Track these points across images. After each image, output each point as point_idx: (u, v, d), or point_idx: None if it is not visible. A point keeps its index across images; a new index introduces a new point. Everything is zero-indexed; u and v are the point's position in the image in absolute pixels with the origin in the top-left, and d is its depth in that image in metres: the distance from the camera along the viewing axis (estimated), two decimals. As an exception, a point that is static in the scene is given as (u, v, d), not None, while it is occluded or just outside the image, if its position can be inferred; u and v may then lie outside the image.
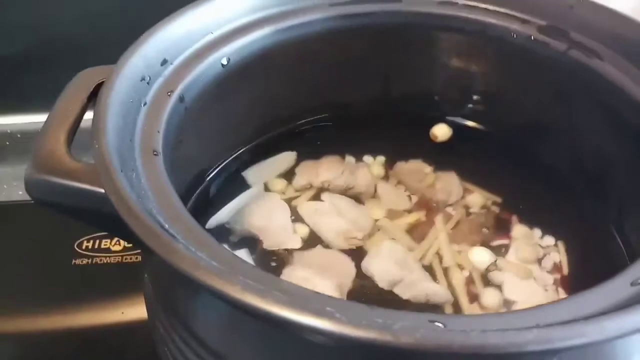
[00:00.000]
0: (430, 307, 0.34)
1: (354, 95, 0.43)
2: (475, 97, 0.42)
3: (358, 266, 0.36)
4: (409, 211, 0.41)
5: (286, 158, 0.43)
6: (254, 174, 0.42)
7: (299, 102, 0.42)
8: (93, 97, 0.30)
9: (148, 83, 0.31)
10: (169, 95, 0.31)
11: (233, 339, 0.25)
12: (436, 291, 0.34)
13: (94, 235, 0.53)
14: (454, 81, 0.42)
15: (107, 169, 0.24)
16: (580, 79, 0.35)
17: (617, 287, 0.22)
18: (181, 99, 0.32)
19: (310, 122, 0.43)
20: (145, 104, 0.30)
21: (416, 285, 0.34)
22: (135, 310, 0.46)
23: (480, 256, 0.37)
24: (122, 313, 0.47)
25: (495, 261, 0.37)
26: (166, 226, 0.23)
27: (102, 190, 0.25)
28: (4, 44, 0.57)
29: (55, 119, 0.28)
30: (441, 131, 0.44)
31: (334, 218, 0.38)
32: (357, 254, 0.37)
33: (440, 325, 0.19)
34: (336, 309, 0.20)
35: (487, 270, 0.37)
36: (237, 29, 0.36)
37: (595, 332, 0.19)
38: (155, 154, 0.28)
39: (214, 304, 0.25)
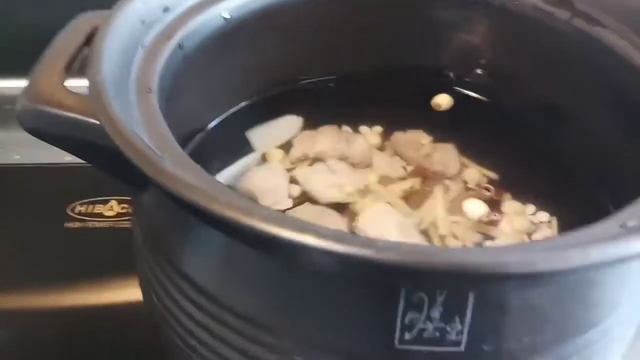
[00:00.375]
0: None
1: (356, 63, 0.43)
2: (478, 68, 0.42)
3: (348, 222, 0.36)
4: (404, 179, 0.41)
5: (292, 123, 0.43)
6: (258, 136, 0.42)
7: (300, 66, 0.42)
8: (92, 38, 0.30)
9: (148, 27, 0.31)
10: (168, 41, 0.31)
11: (221, 274, 0.25)
12: None
13: (88, 200, 0.54)
14: (457, 52, 0.42)
15: (101, 96, 0.24)
16: (583, 47, 0.35)
17: (605, 228, 0.22)
18: (180, 45, 0.32)
19: (310, 85, 0.43)
20: (143, 46, 0.30)
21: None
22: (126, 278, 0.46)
23: (475, 207, 0.37)
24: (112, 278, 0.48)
25: (489, 215, 0.37)
26: (156, 152, 0.23)
27: (95, 121, 0.25)
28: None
29: (52, 54, 0.28)
30: (444, 100, 0.44)
31: (326, 174, 0.39)
32: (346, 212, 0.37)
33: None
34: (320, 227, 0.20)
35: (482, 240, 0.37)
36: (240, -15, 0.36)
37: (579, 257, 0.19)
38: (149, 92, 0.28)
39: (199, 235, 0.25)
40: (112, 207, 0.54)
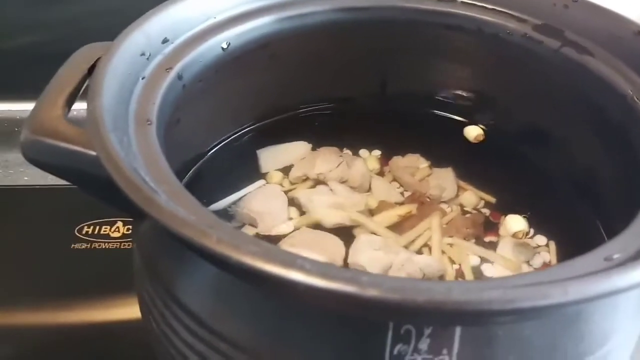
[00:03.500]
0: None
1: (353, 89, 0.44)
2: (471, 95, 0.43)
3: (347, 246, 0.36)
4: (401, 204, 0.41)
5: (301, 148, 0.44)
6: (266, 157, 0.43)
7: (299, 93, 0.43)
8: (93, 69, 0.31)
9: (147, 59, 0.32)
10: (167, 72, 0.32)
11: (212, 302, 0.26)
12: (429, 263, 0.35)
13: (94, 221, 0.55)
14: (451, 78, 0.42)
15: (98, 128, 0.25)
16: (572, 76, 0.35)
17: (590, 261, 0.22)
18: (179, 76, 0.33)
19: (310, 112, 0.44)
20: (143, 78, 0.31)
21: (408, 263, 0.35)
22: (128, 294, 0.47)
23: (516, 223, 0.38)
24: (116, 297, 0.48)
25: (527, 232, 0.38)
26: (151, 185, 0.24)
27: (94, 153, 0.26)
28: (16, 35, 0.59)
29: (55, 86, 0.29)
30: (474, 132, 0.44)
31: (327, 196, 0.39)
32: (346, 236, 0.37)
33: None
34: (307, 262, 0.20)
35: (479, 263, 0.37)
36: (238, 16, 0.37)
37: (558, 294, 0.19)
38: (148, 123, 0.29)
39: (192, 265, 0.26)
40: (119, 228, 0.55)
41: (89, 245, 0.53)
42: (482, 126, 0.43)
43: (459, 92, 0.43)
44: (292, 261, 0.20)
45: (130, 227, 0.54)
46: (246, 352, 0.25)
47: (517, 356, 0.24)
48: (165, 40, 0.33)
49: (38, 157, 0.27)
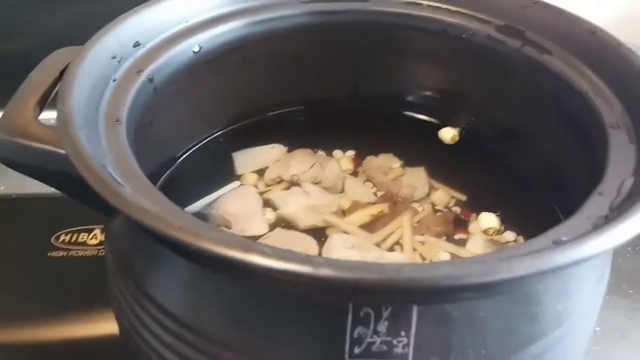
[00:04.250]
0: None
1: (327, 92, 0.45)
2: (440, 95, 0.44)
3: (321, 245, 0.37)
4: (373, 204, 0.42)
5: (276, 150, 0.45)
6: (241, 159, 0.43)
7: (272, 96, 0.44)
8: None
9: (119, 62, 0.33)
10: (138, 74, 0.33)
11: (182, 295, 0.27)
12: (400, 260, 0.36)
13: (72, 229, 0.55)
14: (420, 80, 0.44)
15: (67, 126, 0.26)
16: (533, 74, 0.37)
17: (539, 243, 0.23)
18: (150, 79, 0.34)
19: (284, 114, 0.45)
20: (114, 80, 0.32)
21: (380, 261, 0.36)
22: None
23: (489, 220, 0.39)
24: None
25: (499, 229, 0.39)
26: (119, 180, 0.25)
27: (64, 152, 0.27)
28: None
29: (27, 88, 0.30)
30: (449, 134, 0.45)
31: (301, 197, 0.40)
32: (320, 236, 0.38)
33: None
34: (266, 247, 0.21)
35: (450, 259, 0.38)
36: (210, 19, 0.38)
37: (503, 269, 0.20)
38: (118, 123, 0.29)
39: (162, 260, 0.27)
40: (96, 236, 0.55)
41: (66, 253, 0.53)
42: (451, 127, 0.45)
43: (429, 92, 0.44)
44: (251, 246, 0.21)
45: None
46: (214, 343, 0.26)
47: (473, 337, 0.25)
48: (136, 44, 0.34)
49: (10, 157, 0.28)
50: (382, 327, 0.24)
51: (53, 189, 0.60)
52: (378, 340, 0.24)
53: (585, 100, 0.33)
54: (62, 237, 0.55)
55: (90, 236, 0.55)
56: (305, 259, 0.20)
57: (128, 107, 0.31)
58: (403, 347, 0.24)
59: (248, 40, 0.39)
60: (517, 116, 0.40)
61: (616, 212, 0.25)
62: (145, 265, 0.28)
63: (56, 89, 0.31)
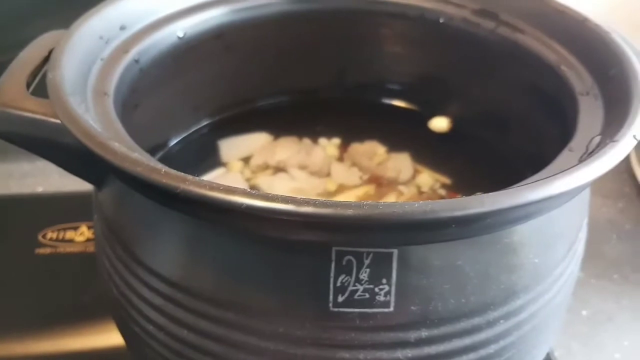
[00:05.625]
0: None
1: (311, 80, 0.46)
2: (421, 80, 0.45)
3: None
4: (359, 186, 0.43)
5: (262, 138, 0.45)
6: (227, 147, 0.44)
7: (256, 84, 0.45)
8: (54, 53, 0.33)
9: (106, 42, 0.34)
10: (125, 54, 0.34)
11: (170, 254, 0.27)
12: None
13: (58, 226, 0.56)
14: (401, 66, 0.45)
15: (58, 91, 0.27)
16: (508, 53, 0.38)
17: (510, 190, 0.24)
18: (136, 60, 0.35)
19: (269, 103, 0.46)
20: (102, 59, 0.33)
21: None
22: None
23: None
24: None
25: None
26: (106, 135, 0.26)
27: (55, 120, 0.28)
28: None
29: (17, 67, 0.31)
30: (441, 123, 0.46)
31: (288, 181, 0.41)
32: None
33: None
34: (249, 190, 0.22)
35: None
36: (194, 6, 0.39)
37: (475, 204, 0.21)
38: (105, 95, 0.30)
39: (150, 221, 0.27)
40: (83, 233, 0.56)
41: (53, 250, 0.54)
42: (441, 117, 0.46)
43: (410, 79, 0.45)
44: (235, 189, 0.22)
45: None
46: (203, 299, 0.27)
47: (453, 285, 0.26)
48: (122, 27, 0.35)
49: (3, 128, 0.29)
50: (364, 274, 0.25)
51: (39, 189, 0.61)
52: (360, 288, 0.25)
53: (557, 73, 0.35)
54: (48, 235, 0.55)
55: (77, 233, 0.56)
56: (287, 198, 0.21)
57: (115, 85, 0.32)
58: (385, 295, 0.25)
59: (231, 28, 0.41)
60: (497, 98, 0.42)
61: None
62: (135, 229, 0.28)
63: (45, 67, 0.32)
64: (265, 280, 0.25)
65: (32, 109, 0.29)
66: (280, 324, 0.26)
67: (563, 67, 0.35)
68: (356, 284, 0.25)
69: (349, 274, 0.25)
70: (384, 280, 0.25)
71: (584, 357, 0.48)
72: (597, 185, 0.64)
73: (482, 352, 0.27)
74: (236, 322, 0.26)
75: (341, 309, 0.25)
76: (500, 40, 0.39)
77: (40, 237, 0.55)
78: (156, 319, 0.29)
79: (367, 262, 0.24)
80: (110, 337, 0.44)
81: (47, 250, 0.54)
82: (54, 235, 0.55)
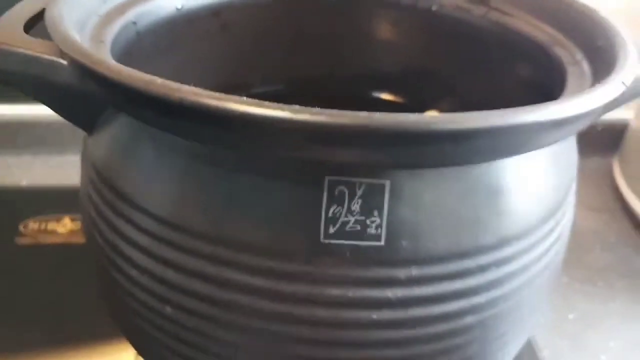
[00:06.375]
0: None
1: (305, 69, 0.46)
2: (413, 71, 0.46)
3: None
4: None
5: None
6: None
7: (250, 70, 0.45)
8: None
9: (104, 2, 0.34)
10: (122, 14, 0.34)
11: (158, 190, 0.27)
12: None
13: (40, 217, 0.55)
14: (390, 57, 0.46)
15: (57, 24, 0.27)
16: (499, 36, 0.39)
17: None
18: (134, 22, 0.35)
19: (262, 92, 0.46)
20: (99, 15, 0.33)
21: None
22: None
23: None
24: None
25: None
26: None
27: (52, 58, 0.28)
28: None
29: (15, 11, 0.31)
30: None
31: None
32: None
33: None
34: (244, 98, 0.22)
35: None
36: (192, -17, 0.40)
37: (460, 120, 0.21)
38: (102, 42, 0.31)
39: (142, 157, 0.27)
40: (66, 225, 0.55)
41: (34, 241, 0.53)
42: (436, 111, 0.46)
43: (401, 70, 0.46)
44: (229, 96, 0.22)
45: (78, 222, 0.54)
46: (193, 235, 0.26)
47: (443, 223, 0.26)
48: (122, -9, 0.36)
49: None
50: (356, 205, 0.25)
51: (23, 183, 0.60)
52: (352, 219, 0.25)
53: (547, 52, 0.36)
54: (30, 225, 0.55)
55: (60, 224, 0.55)
56: (282, 106, 0.21)
57: (112, 39, 0.32)
58: (376, 228, 0.25)
59: (229, 6, 0.41)
60: (487, 90, 0.42)
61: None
62: (125, 167, 0.28)
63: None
64: (256, 212, 0.25)
65: (30, 47, 0.29)
66: (270, 259, 0.25)
67: (554, 47, 0.36)
68: (348, 215, 0.25)
69: (341, 204, 0.24)
70: (376, 213, 0.25)
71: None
72: (583, 198, 0.65)
73: (474, 300, 0.27)
74: (225, 257, 0.26)
75: (332, 241, 0.25)
76: (490, 26, 0.40)
77: (21, 228, 0.54)
78: (141, 262, 0.28)
79: (359, 192, 0.24)
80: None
81: (28, 241, 0.53)
82: (36, 226, 0.55)
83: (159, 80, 0.23)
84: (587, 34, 0.34)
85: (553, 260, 0.31)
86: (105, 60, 0.24)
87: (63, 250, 0.53)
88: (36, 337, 0.44)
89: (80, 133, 0.32)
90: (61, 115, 0.30)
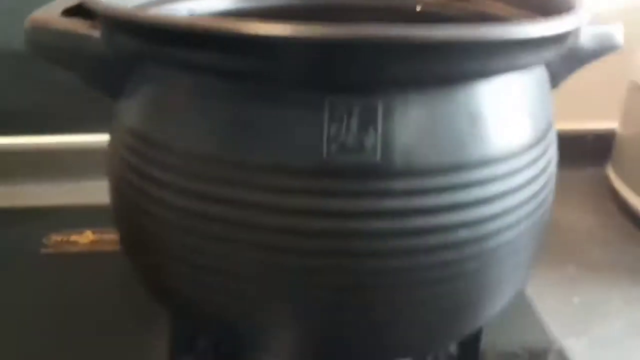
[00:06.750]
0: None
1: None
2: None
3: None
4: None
5: None
6: None
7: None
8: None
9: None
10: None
11: (183, 123, 0.31)
12: None
13: (63, 231, 0.59)
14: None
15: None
16: (476, 21, 0.44)
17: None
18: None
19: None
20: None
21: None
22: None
23: None
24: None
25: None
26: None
27: (86, 32, 0.33)
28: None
29: (54, 3, 0.36)
30: None
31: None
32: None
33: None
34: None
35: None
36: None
37: (441, 32, 0.26)
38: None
39: (170, 100, 0.31)
40: (88, 236, 0.59)
41: (57, 250, 0.56)
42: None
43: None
44: (241, 21, 0.26)
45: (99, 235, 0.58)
46: (216, 162, 0.30)
47: (430, 140, 0.29)
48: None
49: (40, 39, 0.33)
50: (354, 124, 0.28)
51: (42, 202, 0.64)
52: (350, 137, 0.28)
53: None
54: (53, 238, 0.58)
55: (82, 237, 0.59)
56: (285, 24, 0.26)
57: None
58: (372, 145, 0.29)
59: (238, 16, 0.46)
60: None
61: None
62: (156, 116, 0.32)
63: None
64: (263, 133, 0.29)
65: (66, 25, 0.33)
66: (275, 177, 0.29)
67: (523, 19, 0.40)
68: (347, 132, 0.28)
69: (341, 122, 0.28)
70: (371, 130, 0.28)
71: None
72: (579, 200, 0.69)
73: (464, 215, 0.30)
74: (240, 179, 0.29)
75: (334, 157, 0.28)
76: (469, 16, 0.45)
77: (44, 240, 0.58)
78: (169, 198, 0.31)
79: (356, 111, 0.28)
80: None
81: (51, 250, 0.56)
82: (59, 239, 0.58)
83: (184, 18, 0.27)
84: (555, 9, 0.39)
85: (539, 194, 0.34)
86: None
87: (86, 257, 0.56)
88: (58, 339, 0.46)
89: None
90: (92, 87, 0.35)
